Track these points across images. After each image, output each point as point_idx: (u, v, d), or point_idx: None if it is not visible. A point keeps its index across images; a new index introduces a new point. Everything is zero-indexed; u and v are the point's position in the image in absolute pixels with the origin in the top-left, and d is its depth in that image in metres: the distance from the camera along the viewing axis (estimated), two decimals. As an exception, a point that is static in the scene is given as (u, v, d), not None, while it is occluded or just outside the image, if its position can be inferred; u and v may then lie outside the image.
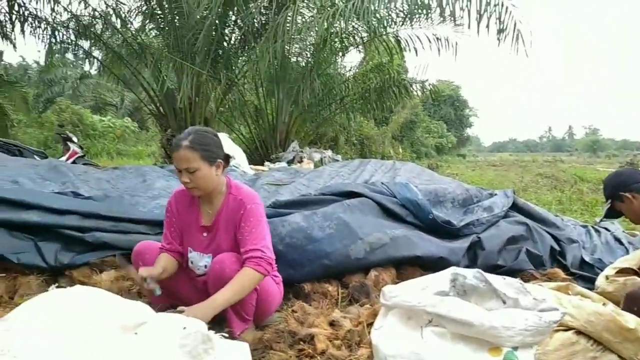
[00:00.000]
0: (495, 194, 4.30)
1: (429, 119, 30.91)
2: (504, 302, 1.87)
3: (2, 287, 2.91)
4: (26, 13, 8.48)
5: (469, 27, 8.10)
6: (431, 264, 3.30)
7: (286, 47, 9.39)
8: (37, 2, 10.12)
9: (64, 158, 8.60)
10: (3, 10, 8.22)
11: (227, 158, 2.53)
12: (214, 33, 8.73)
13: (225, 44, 9.58)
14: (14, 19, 8.31)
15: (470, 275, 1.95)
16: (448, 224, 3.65)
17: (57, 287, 2.59)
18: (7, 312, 2.48)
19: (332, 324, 2.52)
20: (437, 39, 9.40)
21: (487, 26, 7.71)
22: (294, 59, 11.19)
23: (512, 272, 3.33)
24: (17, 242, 3.12)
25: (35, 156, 8.16)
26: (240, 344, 1.28)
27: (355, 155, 17.07)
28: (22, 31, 8.48)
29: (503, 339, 1.64)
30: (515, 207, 4.09)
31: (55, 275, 3.12)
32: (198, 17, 8.42)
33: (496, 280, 1.95)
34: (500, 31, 7.67)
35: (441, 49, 9.32)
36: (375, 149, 19.55)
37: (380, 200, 3.67)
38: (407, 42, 9.90)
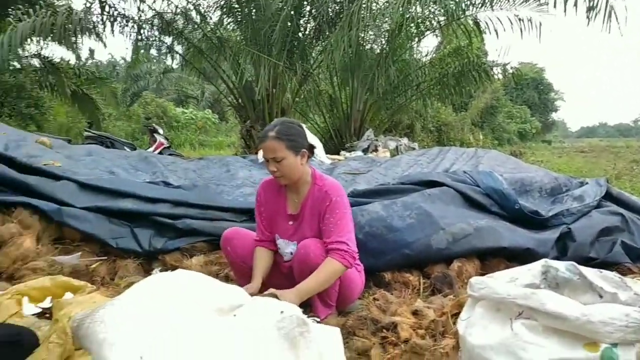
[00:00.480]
0: (586, 183, 4.07)
1: (511, 104, 29.59)
2: (601, 297, 1.78)
3: (104, 269, 3.15)
4: (115, 13, 8.99)
5: (554, 6, 7.67)
6: (517, 256, 3.19)
7: (360, 34, 9.33)
8: (125, 2, 10.70)
9: (151, 149, 9.09)
10: (96, 12, 8.77)
11: (311, 148, 2.59)
12: (289, 24, 8.85)
13: (300, 34, 9.69)
14: (104, 19, 8.85)
15: (563, 268, 1.87)
16: (535, 214, 3.51)
17: (160, 270, 2.77)
18: (109, 291, 2.69)
19: (415, 313, 2.51)
20: (519, 19, 8.95)
21: (575, 4, 7.26)
22: (368, 47, 11.11)
23: (605, 266, 3.15)
24: (115, 228, 3.35)
25: (126, 147, 8.69)
26: (332, 329, 1.31)
27: (432, 143, 16.73)
28: (112, 30, 9.01)
29: (601, 334, 1.57)
30: (608, 196, 3.85)
31: (150, 259, 3.33)
32: (274, 9, 8.56)
33: (591, 273, 1.86)
34: (590, 9, 7.20)
35: (523, 30, 8.86)
36: (453, 136, 19.04)
37: (463, 190, 3.59)
38: (486, 24, 9.50)
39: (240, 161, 5.34)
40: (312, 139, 2.91)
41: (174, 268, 3.26)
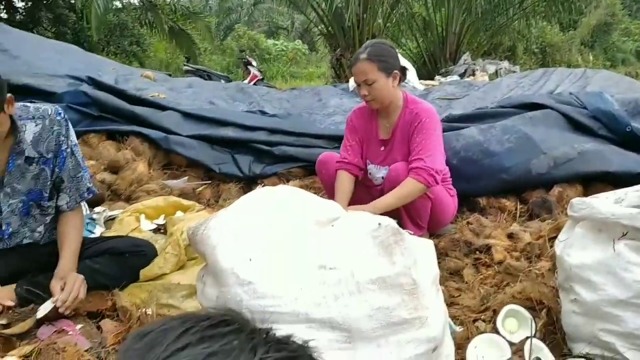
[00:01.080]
0: None
1: (628, 20, 26.46)
2: None
3: (209, 192, 3.38)
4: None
5: None
6: (626, 181, 2.99)
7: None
8: None
9: (246, 81, 9.31)
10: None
11: (403, 70, 2.53)
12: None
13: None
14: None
15: (678, 190, 1.74)
16: (650, 137, 3.23)
17: (264, 186, 2.94)
18: (214, 212, 2.90)
19: (510, 236, 2.48)
20: None
21: None
22: (466, -38, 10.35)
23: None
24: (218, 155, 3.56)
25: (222, 80, 8.97)
26: (426, 241, 1.34)
27: (535, 66, 15.57)
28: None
29: None
30: None
31: (250, 183, 3.52)
32: None
33: None
34: None
35: None
36: (559, 58, 17.54)
37: (568, 112, 3.36)
38: None
39: (331, 90, 5.34)
40: (405, 63, 2.84)
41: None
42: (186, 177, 3.40)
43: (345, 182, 2.69)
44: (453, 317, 1.93)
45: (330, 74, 11.01)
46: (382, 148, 2.66)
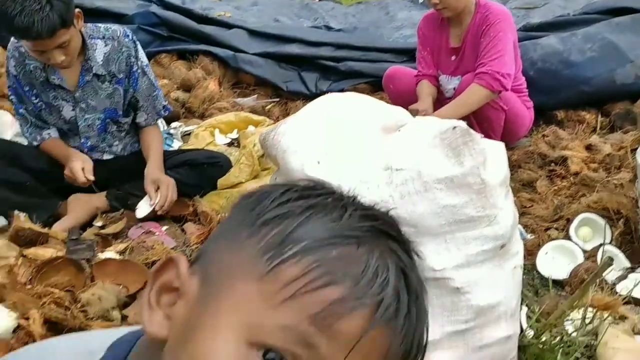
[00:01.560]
0: None
1: None
2: None
3: (277, 110, 3.43)
4: None
5: None
6: None
7: None
8: None
9: None
10: None
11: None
12: None
13: None
14: None
15: None
16: None
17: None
18: (272, 123, 2.96)
19: (588, 148, 2.38)
20: None
21: None
22: None
23: None
24: (285, 73, 3.57)
25: None
26: (496, 143, 1.32)
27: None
28: None
29: None
30: None
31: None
32: None
33: None
34: None
35: None
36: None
37: (661, 15, 3.07)
38: None
39: (399, 2, 5.12)
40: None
41: (339, 108, 3.43)
42: (255, 95, 3.45)
43: (427, 87, 2.62)
44: (525, 226, 1.93)
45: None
46: (453, 57, 2.57)
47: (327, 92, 3.43)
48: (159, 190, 2.00)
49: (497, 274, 1.21)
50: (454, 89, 2.58)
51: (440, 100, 2.70)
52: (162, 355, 0.45)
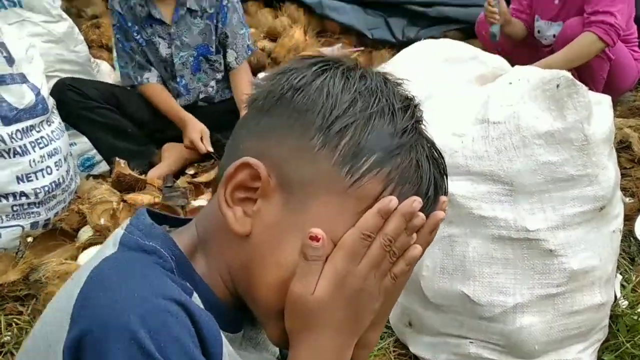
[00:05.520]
0: None
1: None
2: None
3: (362, 60, 3.35)
4: None
5: None
6: None
7: None
8: None
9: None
10: None
11: None
12: None
13: None
14: None
15: None
16: None
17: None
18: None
19: None
20: None
21: None
22: None
23: None
24: (370, 19, 3.47)
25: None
26: (602, 96, 1.22)
27: None
28: None
29: None
30: None
31: (403, 48, 3.40)
32: None
33: None
34: None
35: None
36: None
37: None
38: None
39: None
40: None
41: (426, 57, 3.30)
42: (340, 44, 3.40)
43: (515, 21, 2.47)
44: (623, 189, 1.79)
45: None
46: (556, 1, 2.36)
47: (415, 40, 3.31)
48: None
49: (595, 237, 1.14)
50: (554, 35, 2.39)
51: (537, 47, 2.52)
52: (240, 248, 0.50)
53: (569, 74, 1.11)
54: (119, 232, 0.54)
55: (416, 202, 0.49)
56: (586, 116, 1.10)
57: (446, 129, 1.20)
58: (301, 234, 0.48)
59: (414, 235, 0.50)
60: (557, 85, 1.12)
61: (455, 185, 1.11)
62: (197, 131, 2.12)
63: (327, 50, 3.32)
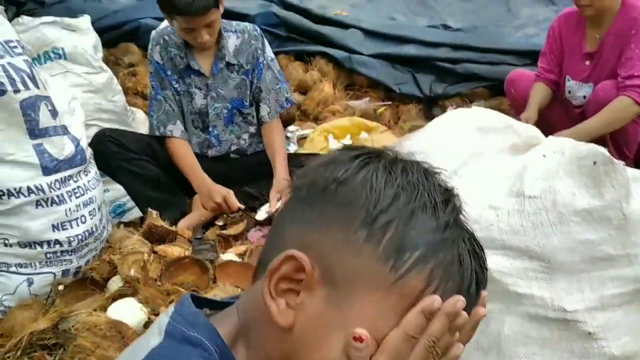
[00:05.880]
0: None
1: None
2: None
3: (389, 113, 3.40)
4: None
5: None
6: None
7: None
8: None
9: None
10: None
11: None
12: None
13: None
14: None
15: None
16: None
17: (455, 108, 2.89)
18: (395, 133, 2.94)
19: None
20: None
21: None
22: None
23: None
24: (398, 74, 3.53)
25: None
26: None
27: None
28: None
29: None
30: None
31: (430, 104, 3.45)
32: None
33: None
34: None
35: None
36: None
37: None
38: None
39: (521, -2, 4.85)
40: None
41: (455, 113, 3.33)
42: (367, 98, 3.45)
43: (540, 92, 2.48)
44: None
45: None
46: (587, 62, 2.38)
47: (443, 96, 3.38)
48: (280, 200, 2.08)
49: (636, 321, 1.11)
50: (584, 97, 2.40)
51: (567, 107, 2.53)
52: (282, 341, 0.51)
53: (604, 151, 1.12)
54: (163, 320, 0.55)
55: (460, 302, 0.49)
56: (624, 195, 1.09)
57: (481, 200, 1.20)
58: (344, 331, 0.48)
59: (456, 333, 0.50)
60: (594, 162, 1.12)
61: (491, 260, 1.10)
62: (220, 195, 2.14)
63: (355, 104, 3.38)
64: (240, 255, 1.89)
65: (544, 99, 2.48)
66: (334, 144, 2.68)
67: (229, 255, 1.86)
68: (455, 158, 1.29)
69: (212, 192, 2.14)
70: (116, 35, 3.50)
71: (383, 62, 3.55)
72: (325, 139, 2.68)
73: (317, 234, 0.51)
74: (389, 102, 3.48)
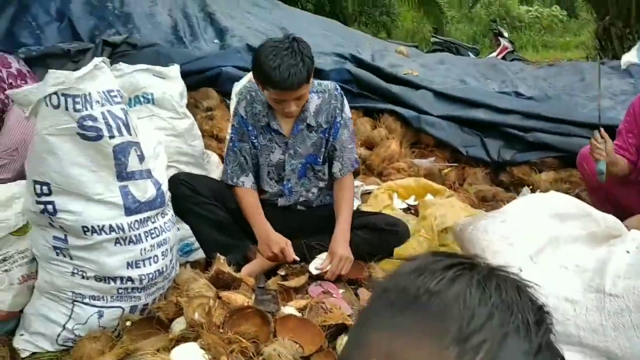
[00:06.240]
0: None
1: None
2: None
3: (454, 175, 3.40)
4: None
5: None
6: None
7: None
8: None
9: (494, 54, 8.90)
10: None
11: None
12: None
13: None
14: None
15: None
16: None
17: (531, 190, 2.87)
18: (460, 196, 2.91)
19: None
20: None
21: None
22: None
23: None
24: (466, 137, 3.54)
25: (470, 53, 8.73)
26: None
27: None
28: None
29: None
30: None
31: (497, 169, 3.42)
32: None
33: None
34: None
35: None
36: None
37: None
38: None
39: (596, 68, 4.76)
40: None
41: (521, 181, 3.29)
42: (433, 158, 3.47)
43: (620, 160, 2.41)
44: None
45: (593, 45, 9.73)
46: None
47: (510, 162, 3.35)
48: (334, 260, 2.11)
49: None
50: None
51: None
52: None
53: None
54: None
55: None
56: None
57: (557, 290, 1.18)
58: None
59: None
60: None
61: (567, 356, 1.07)
62: (282, 241, 2.19)
63: (420, 162, 3.40)
64: (300, 309, 1.90)
65: (624, 165, 2.41)
66: (398, 204, 2.70)
67: (290, 309, 1.88)
68: (532, 244, 1.28)
69: (271, 240, 2.19)
70: (198, 80, 3.69)
71: (452, 124, 3.58)
72: (389, 197, 2.70)
73: (405, 343, 0.51)
74: (455, 164, 3.48)
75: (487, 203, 3.02)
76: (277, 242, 2.18)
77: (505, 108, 3.58)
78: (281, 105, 2.12)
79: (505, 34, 9.48)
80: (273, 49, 2.03)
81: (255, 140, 2.32)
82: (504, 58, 8.08)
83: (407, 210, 2.70)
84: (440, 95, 3.78)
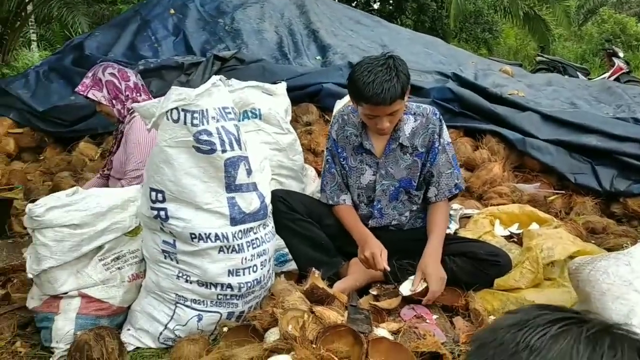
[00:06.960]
0: None
1: None
2: None
3: (560, 203, 3.20)
4: None
5: None
6: None
7: None
8: None
9: (607, 74, 8.33)
10: None
11: None
12: None
13: None
14: None
15: None
16: None
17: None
18: (567, 227, 2.73)
19: None
20: None
21: None
22: None
23: None
24: (575, 163, 3.32)
25: (579, 73, 8.23)
26: None
27: None
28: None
29: None
30: None
31: (609, 200, 3.18)
32: None
33: None
34: None
35: None
36: None
37: None
38: None
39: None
40: None
41: (636, 215, 3.04)
42: (538, 183, 3.30)
43: None
44: None
45: None
46: None
47: (624, 193, 3.10)
48: (425, 280, 2.05)
49: None
50: None
51: None
52: None
53: None
54: None
55: None
56: None
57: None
58: None
59: None
60: None
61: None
62: (378, 248, 2.17)
63: (524, 187, 3.25)
64: (393, 332, 1.87)
65: None
66: (500, 230, 2.58)
67: (382, 331, 1.85)
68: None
69: (367, 244, 2.19)
70: (299, 95, 3.79)
71: (560, 149, 3.39)
72: (490, 223, 2.60)
73: None
74: (563, 192, 3.28)
75: (596, 235, 2.81)
76: (371, 246, 2.17)
77: (621, 135, 3.32)
78: (374, 120, 2.11)
79: (621, 54, 8.84)
80: (368, 65, 2.04)
81: (344, 163, 2.33)
82: (617, 79, 7.54)
83: (509, 238, 2.57)
84: (548, 118, 3.59)
